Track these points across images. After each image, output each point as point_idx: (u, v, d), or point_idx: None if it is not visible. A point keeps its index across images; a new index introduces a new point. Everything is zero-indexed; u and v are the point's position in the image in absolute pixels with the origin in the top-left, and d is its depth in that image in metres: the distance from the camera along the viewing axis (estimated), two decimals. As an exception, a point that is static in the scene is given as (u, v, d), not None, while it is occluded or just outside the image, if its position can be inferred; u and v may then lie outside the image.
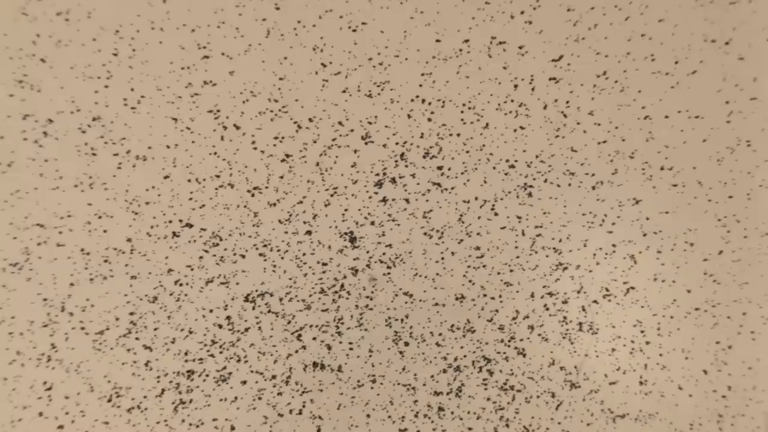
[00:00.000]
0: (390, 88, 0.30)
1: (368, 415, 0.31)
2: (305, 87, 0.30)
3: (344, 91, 0.30)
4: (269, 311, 0.31)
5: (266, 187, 0.31)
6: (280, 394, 0.31)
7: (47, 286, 0.30)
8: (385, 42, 0.30)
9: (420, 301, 0.30)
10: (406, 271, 0.31)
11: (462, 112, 0.31)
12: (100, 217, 0.30)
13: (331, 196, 0.31)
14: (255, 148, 0.30)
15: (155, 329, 0.31)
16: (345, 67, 0.30)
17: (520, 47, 0.30)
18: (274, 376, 0.31)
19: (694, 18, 0.31)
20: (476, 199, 0.31)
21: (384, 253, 0.31)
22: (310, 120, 0.30)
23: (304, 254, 0.31)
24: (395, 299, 0.31)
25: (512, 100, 0.31)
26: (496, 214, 0.31)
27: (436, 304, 0.30)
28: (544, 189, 0.31)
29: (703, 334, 0.31)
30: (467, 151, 0.31)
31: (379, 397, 0.31)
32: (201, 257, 0.31)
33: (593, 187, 0.31)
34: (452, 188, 0.31)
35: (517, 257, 0.31)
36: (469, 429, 0.30)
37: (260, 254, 0.31)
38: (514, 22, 0.30)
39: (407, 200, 0.31)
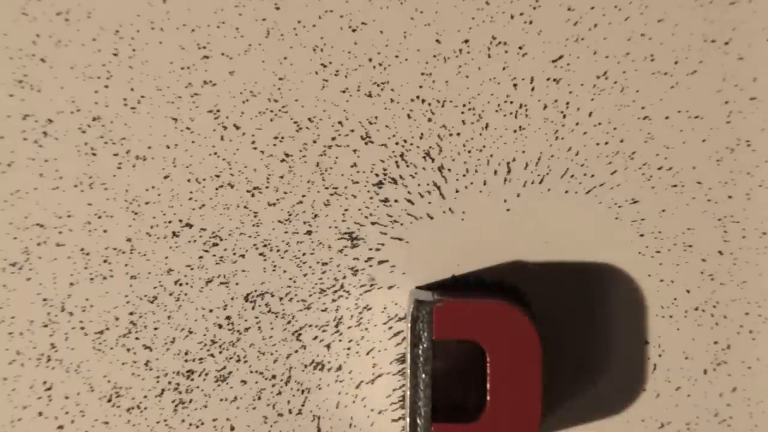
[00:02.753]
0: (390, 88, 0.30)
1: (368, 416, 0.31)
2: (305, 87, 0.30)
3: (344, 91, 0.30)
4: (269, 311, 0.31)
5: (266, 187, 0.31)
6: (279, 393, 0.31)
7: (47, 286, 0.30)
8: (385, 42, 0.30)
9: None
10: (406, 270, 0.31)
11: (462, 113, 0.31)
12: (100, 217, 0.30)
13: (331, 195, 0.31)
14: (255, 148, 0.30)
15: (155, 329, 0.31)
16: (345, 67, 0.30)
17: (520, 47, 0.30)
18: (274, 376, 0.31)
19: (694, 18, 0.30)
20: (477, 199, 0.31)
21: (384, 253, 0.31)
22: (310, 120, 0.30)
23: (304, 254, 0.31)
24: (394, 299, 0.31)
25: (512, 102, 0.31)
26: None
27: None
28: (543, 190, 0.31)
29: (703, 334, 0.31)
30: (468, 152, 0.31)
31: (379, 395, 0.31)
32: (201, 257, 0.31)
33: (592, 188, 0.31)
34: (455, 190, 0.31)
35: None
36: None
37: (260, 254, 0.31)
38: (514, 22, 0.30)
39: (409, 200, 0.31)
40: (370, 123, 0.31)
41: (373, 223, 0.31)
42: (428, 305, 0.27)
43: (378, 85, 0.30)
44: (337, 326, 0.31)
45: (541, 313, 0.31)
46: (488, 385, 0.28)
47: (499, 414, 0.27)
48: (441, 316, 0.27)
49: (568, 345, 0.31)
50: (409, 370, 0.28)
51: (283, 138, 0.30)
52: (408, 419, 0.28)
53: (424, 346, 0.27)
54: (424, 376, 0.27)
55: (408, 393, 0.28)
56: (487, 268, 0.31)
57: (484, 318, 0.26)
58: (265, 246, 0.31)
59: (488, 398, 0.27)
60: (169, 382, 0.31)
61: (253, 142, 0.30)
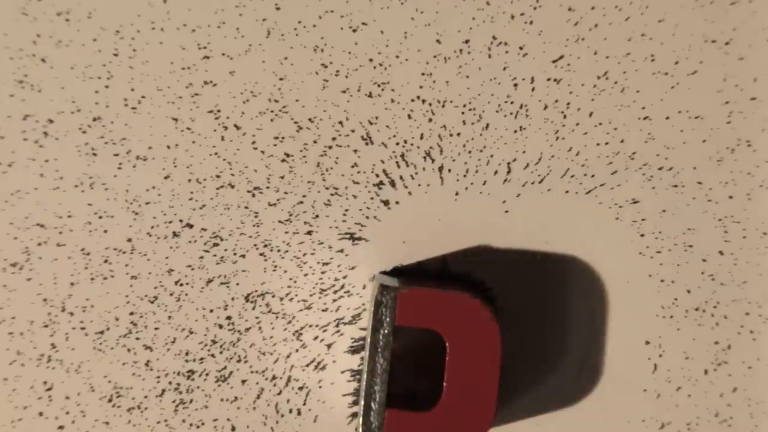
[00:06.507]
0: (390, 88, 0.30)
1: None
2: (305, 87, 0.30)
3: (344, 92, 0.30)
4: (270, 311, 0.31)
5: (267, 188, 0.31)
6: (279, 393, 0.31)
7: (47, 286, 0.30)
8: (386, 42, 0.30)
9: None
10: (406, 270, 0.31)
11: (463, 113, 0.31)
12: (100, 217, 0.30)
13: (332, 195, 0.31)
14: (255, 148, 0.31)
15: (156, 329, 0.31)
16: (345, 67, 0.30)
17: (521, 48, 0.30)
18: (274, 376, 0.31)
19: (694, 18, 0.31)
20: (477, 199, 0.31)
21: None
22: (311, 120, 0.31)
23: (304, 254, 0.31)
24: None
25: (512, 102, 0.31)
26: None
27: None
28: (543, 190, 0.31)
29: (703, 334, 0.31)
30: (469, 152, 0.31)
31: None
32: (201, 257, 0.31)
33: (592, 188, 0.31)
34: (455, 190, 0.31)
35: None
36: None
37: (261, 254, 0.31)
38: (514, 23, 0.30)
39: (409, 200, 0.31)
40: (371, 123, 0.31)
41: (373, 224, 0.31)
42: (394, 291, 0.27)
43: (378, 86, 0.30)
44: (337, 326, 0.31)
45: (541, 312, 0.31)
46: (445, 375, 0.27)
47: (454, 405, 0.27)
48: (405, 302, 0.27)
49: (568, 345, 0.31)
50: (367, 355, 0.27)
51: (283, 138, 0.30)
52: (362, 403, 0.27)
53: (385, 331, 0.27)
54: (382, 361, 0.27)
55: (364, 378, 0.27)
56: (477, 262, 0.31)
57: (446, 308, 0.26)
58: (265, 246, 0.31)
59: (444, 388, 0.27)
60: (170, 383, 0.31)
61: (254, 143, 0.30)
